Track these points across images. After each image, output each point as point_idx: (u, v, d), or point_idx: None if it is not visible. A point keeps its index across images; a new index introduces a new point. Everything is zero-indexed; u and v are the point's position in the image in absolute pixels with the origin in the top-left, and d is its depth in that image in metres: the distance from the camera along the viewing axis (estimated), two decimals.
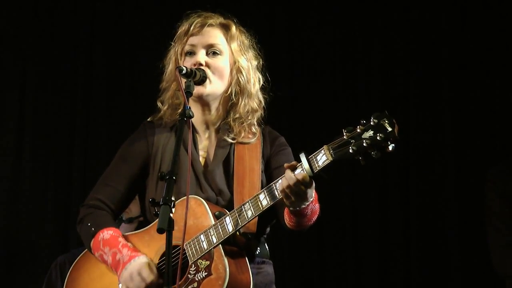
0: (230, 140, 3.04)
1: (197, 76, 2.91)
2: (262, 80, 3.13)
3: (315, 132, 5.09)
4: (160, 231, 2.47)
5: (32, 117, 5.27)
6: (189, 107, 2.77)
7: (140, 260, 2.87)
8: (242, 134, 3.05)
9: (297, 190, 2.67)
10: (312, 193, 2.73)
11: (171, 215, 2.49)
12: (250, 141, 3.06)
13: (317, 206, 2.86)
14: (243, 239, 2.89)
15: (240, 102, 3.05)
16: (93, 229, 2.97)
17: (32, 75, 5.31)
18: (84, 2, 5.37)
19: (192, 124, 2.94)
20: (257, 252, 2.97)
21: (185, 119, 2.75)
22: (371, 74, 5.17)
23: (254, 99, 3.08)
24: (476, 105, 5.01)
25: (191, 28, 3.03)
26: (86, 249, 3.05)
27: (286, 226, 2.93)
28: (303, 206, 2.75)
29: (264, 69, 3.14)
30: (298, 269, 5.11)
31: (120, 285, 2.90)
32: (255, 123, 3.09)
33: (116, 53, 5.33)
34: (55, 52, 5.31)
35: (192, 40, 3.03)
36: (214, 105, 3.06)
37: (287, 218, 2.88)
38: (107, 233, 2.96)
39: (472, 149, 4.97)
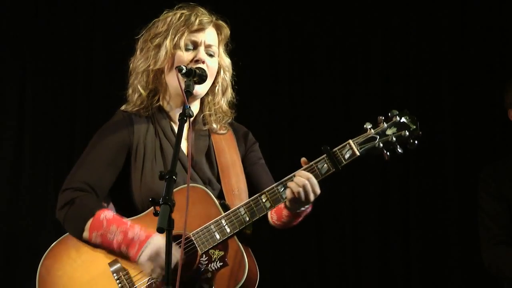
0: (207, 130, 3.10)
1: (197, 76, 2.93)
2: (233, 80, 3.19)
3: (314, 130, 5.10)
4: (160, 230, 2.47)
5: (32, 117, 5.26)
6: (189, 106, 2.78)
7: (160, 238, 2.82)
8: (218, 127, 3.11)
9: (306, 193, 2.74)
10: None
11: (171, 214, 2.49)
12: (224, 132, 3.12)
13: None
14: (248, 230, 2.92)
15: (222, 101, 3.12)
16: (91, 208, 2.91)
17: (32, 74, 5.30)
18: (84, 1, 5.37)
19: (170, 116, 3.06)
20: None
21: (185, 118, 2.75)
22: (371, 74, 5.17)
23: (230, 98, 3.16)
24: (476, 105, 5.01)
25: (196, 23, 3.02)
26: (60, 238, 2.98)
27: (270, 224, 2.99)
28: (303, 208, 2.83)
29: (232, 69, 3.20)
30: (297, 268, 5.12)
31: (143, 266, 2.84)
32: (229, 121, 3.16)
33: (116, 51, 5.31)
34: (55, 51, 5.31)
35: (195, 36, 3.04)
36: (194, 101, 3.10)
37: (275, 217, 2.94)
38: (109, 213, 2.91)
39: (472, 148, 4.98)
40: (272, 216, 2.95)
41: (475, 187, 4.08)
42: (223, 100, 3.13)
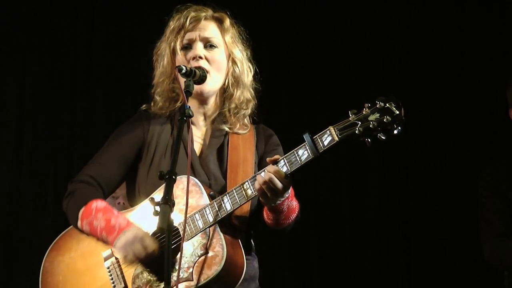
0: (225, 129, 3.09)
1: (197, 76, 2.94)
2: (253, 70, 3.16)
3: (312, 121, 5.10)
4: (160, 230, 2.49)
5: (31, 117, 5.27)
6: (189, 107, 2.79)
7: (140, 230, 2.86)
8: (237, 125, 3.11)
9: (273, 186, 2.71)
10: (288, 190, 2.78)
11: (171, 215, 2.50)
12: (244, 132, 3.11)
13: (294, 203, 2.91)
14: (237, 221, 2.93)
15: (235, 93, 3.11)
16: (85, 198, 2.97)
17: (32, 74, 5.30)
18: (84, 1, 5.37)
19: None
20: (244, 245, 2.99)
21: (185, 118, 2.76)
22: (371, 72, 5.17)
23: (249, 89, 3.14)
24: (476, 104, 5.01)
25: (187, 22, 3.05)
26: (66, 230, 3.05)
27: (266, 225, 2.98)
28: (278, 202, 2.79)
29: (253, 59, 3.17)
30: (297, 268, 5.12)
31: (115, 250, 2.87)
32: (249, 114, 3.15)
33: (116, 51, 5.32)
34: (55, 51, 5.31)
35: (189, 34, 3.06)
36: (211, 99, 3.11)
37: (265, 216, 2.94)
38: (101, 203, 2.97)
39: (472, 148, 4.98)
40: (265, 217, 2.95)
41: (475, 187, 4.08)
42: (238, 91, 3.11)
